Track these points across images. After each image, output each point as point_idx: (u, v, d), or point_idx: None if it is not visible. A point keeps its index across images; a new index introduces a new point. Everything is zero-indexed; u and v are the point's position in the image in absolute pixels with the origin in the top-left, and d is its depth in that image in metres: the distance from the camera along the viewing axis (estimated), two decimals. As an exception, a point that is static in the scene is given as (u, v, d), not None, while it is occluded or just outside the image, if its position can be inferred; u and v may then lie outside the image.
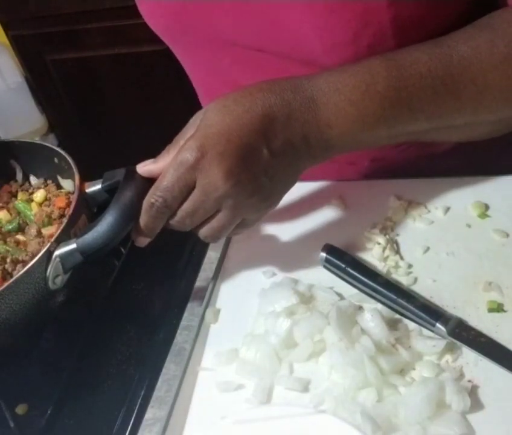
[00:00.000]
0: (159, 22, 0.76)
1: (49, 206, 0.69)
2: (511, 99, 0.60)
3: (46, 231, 0.65)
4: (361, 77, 0.56)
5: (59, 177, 0.71)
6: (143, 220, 0.57)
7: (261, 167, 0.55)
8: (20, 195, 0.72)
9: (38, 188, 0.72)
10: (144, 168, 0.59)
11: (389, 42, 0.61)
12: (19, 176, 0.75)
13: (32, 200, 0.71)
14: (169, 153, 0.58)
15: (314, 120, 0.56)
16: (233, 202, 0.56)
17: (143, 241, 0.59)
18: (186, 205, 0.56)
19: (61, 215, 0.67)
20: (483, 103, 0.60)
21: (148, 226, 0.58)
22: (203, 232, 0.59)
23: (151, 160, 0.59)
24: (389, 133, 0.59)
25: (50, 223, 0.66)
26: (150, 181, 0.58)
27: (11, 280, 0.55)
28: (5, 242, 0.65)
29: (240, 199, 0.56)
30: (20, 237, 0.66)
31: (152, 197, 0.56)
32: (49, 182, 0.73)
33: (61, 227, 0.58)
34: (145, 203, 0.57)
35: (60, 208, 0.68)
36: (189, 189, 0.55)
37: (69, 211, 0.60)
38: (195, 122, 0.58)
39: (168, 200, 0.56)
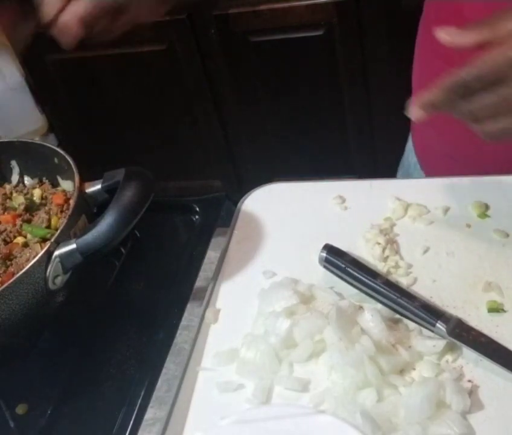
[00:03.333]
0: None
1: (46, 204, 0.69)
2: None
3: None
4: None
5: (59, 178, 0.71)
6: (437, 90, 0.54)
7: None
8: (15, 196, 0.72)
9: (33, 187, 0.72)
10: (452, 39, 0.55)
11: None
12: (15, 177, 0.75)
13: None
14: (481, 30, 0.54)
15: None
16: None
17: (417, 114, 0.55)
18: (488, 97, 0.53)
19: (61, 212, 0.67)
20: None
21: (435, 99, 0.55)
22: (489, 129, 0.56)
23: (453, 30, 0.55)
24: None
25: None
26: (150, 181, 0.58)
27: (11, 280, 0.55)
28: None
29: None
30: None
31: (463, 71, 0.53)
32: (44, 181, 0.73)
33: (61, 227, 0.58)
34: (453, 76, 0.53)
35: (58, 204, 0.68)
36: (497, 82, 0.53)
37: (68, 210, 0.60)
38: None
39: (474, 80, 0.53)
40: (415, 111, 0.55)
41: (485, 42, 0.54)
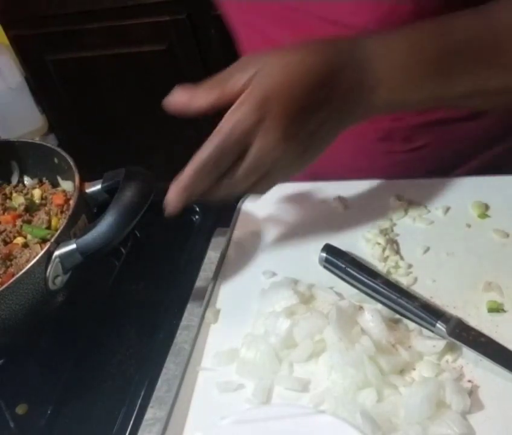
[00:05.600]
0: None
1: (46, 204, 0.69)
2: None
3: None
4: (410, 43, 0.58)
5: (59, 178, 0.71)
6: (186, 178, 0.54)
7: (312, 136, 0.55)
8: (14, 196, 0.72)
9: (33, 188, 0.72)
10: (178, 104, 0.55)
11: (408, 7, 0.62)
12: (15, 177, 0.75)
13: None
14: (212, 89, 0.54)
15: (366, 81, 0.57)
16: (285, 162, 0.56)
17: (175, 206, 0.55)
18: (239, 170, 0.54)
19: (61, 212, 0.67)
20: None
21: (190, 186, 0.54)
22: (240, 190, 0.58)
23: (181, 93, 0.55)
24: (424, 98, 0.60)
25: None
26: (150, 181, 0.57)
27: (11, 280, 0.55)
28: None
29: (290, 158, 0.56)
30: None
31: (203, 152, 0.53)
32: (44, 181, 0.73)
33: (61, 227, 0.58)
34: (195, 160, 0.53)
35: (58, 205, 0.68)
36: (243, 150, 0.54)
37: (68, 210, 0.60)
38: (246, 68, 0.54)
39: (219, 159, 0.53)
40: (173, 204, 0.55)
41: (220, 101, 0.54)
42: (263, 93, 0.52)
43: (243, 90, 0.53)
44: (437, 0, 0.63)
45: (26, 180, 0.74)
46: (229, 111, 0.53)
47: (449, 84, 0.60)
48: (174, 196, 0.55)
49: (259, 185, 0.57)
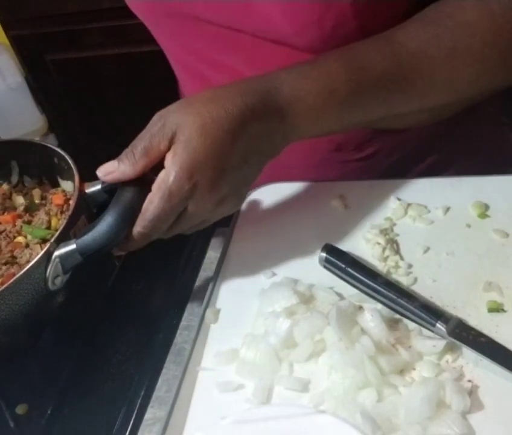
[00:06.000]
0: (137, 5, 0.78)
1: (46, 204, 0.69)
2: (454, 90, 0.65)
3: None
4: (324, 83, 0.61)
5: (59, 179, 0.71)
6: (131, 242, 0.59)
7: (241, 179, 0.60)
8: (14, 197, 0.72)
9: (33, 188, 0.72)
10: (111, 176, 0.58)
11: (350, 23, 0.65)
12: (14, 177, 0.75)
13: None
14: (137, 161, 0.57)
15: (280, 127, 0.60)
16: (220, 212, 0.62)
17: (123, 251, 0.61)
18: (177, 224, 0.59)
19: (61, 212, 0.67)
20: (429, 94, 0.65)
21: (137, 248, 0.60)
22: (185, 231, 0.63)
23: (113, 164, 0.58)
24: (343, 127, 0.66)
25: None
26: (149, 182, 0.58)
27: (11, 281, 0.55)
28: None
29: (224, 209, 0.61)
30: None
31: (143, 228, 0.57)
32: (44, 181, 0.73)
33: (61, 228, 0.58)
34: (135, 233, 0.58)
35: (58, 205, 0.68)
36: (180, 213, 0.58)
37: (68, 210, 0.60)
38: (162, 131, 0.56)
39: (160, 228, 0.58)
40: (125, 250, 0.60)
41: (147, 168, 0.57)
42: (189, 163, 0.55)
43: (164, 154, 0.57)
44: (381, 18, 0.65)
45: (26, 180, 0.74)
46: (161, 179, 0.56)
47: (365, 114, 0.64)
48: (134, 244, 0.59)
49: (202, 225, 0.63)
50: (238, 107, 0.57)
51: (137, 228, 0.58)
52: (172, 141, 0.56)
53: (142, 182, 0.58)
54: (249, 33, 0.70)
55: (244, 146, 0.58)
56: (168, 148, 0.56)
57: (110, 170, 0.58)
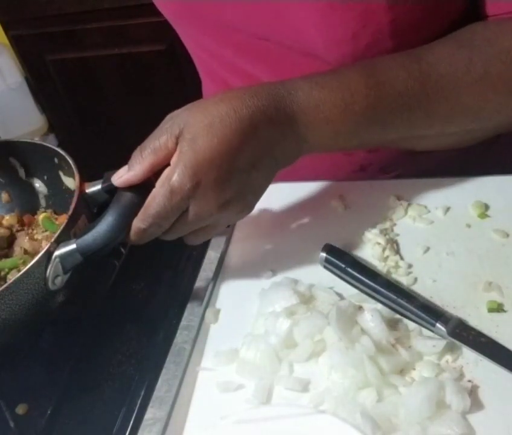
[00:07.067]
0: (168, 7, 0.76)
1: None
2: (480, 116, 0.63)
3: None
4: (341, 95, 0.58)
5: (61, 174, 0.71)
6: (132, 238, 0.58)
7: (248, 184, 0.58)
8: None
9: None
10: (121, 180, 0.58)
11: (386, 42, 0.62)
12: (21, 172, 0.75)
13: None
14: (144, 159, 0.57)
15: (292, 135, 0.58)
16: (225, 219, 0.60)
17: (137, 242, 0.60)
18: (179, 225, 0.58)
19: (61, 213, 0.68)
20: (454, 118, 0.62)
21: (138, 242, 0.59)
22: (188, 238, 0.62)
23: (124, 168, 0.58)
24: (360, 143, 0.62)
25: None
26: (149, 182, 0.58)
27: (11, 281, 0.55)
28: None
29: (229, 215, 0.59)
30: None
31: (143, 223, 0.57)
32: (45, 180, 0.73)
33: (61, 227, 0.58)
34: (135, 227, 0.57)
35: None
36: (182, 212, 0.57)
37: (68, 210, 0.60)
38: (170, 129, 0.57)
39: (161, 225, 0.57)
40: (135, 242, 0.59)
41: (155, 168, 0.57)
42: (193, 161, 0.54)
43: (172, 152, 0.56)
44: (419, 39, 0.62)
45: (30, 180, 0.74)
46: (165, 176, 0.56)
47: (384, 131, 0.61)
48: (135, 237, 0.58)
49: (205, 233, 0.62)
50: (248, 108, 0.55)
51: (138, 222, 0.57)
52: (179, 139, 0.56)
53: (143, 182, 0.58)
54: (275, 42, 0.68)
55: (253, 149, 0.56)
56: (176, 146, 0.56)
57: (121, 174, 0.58)
